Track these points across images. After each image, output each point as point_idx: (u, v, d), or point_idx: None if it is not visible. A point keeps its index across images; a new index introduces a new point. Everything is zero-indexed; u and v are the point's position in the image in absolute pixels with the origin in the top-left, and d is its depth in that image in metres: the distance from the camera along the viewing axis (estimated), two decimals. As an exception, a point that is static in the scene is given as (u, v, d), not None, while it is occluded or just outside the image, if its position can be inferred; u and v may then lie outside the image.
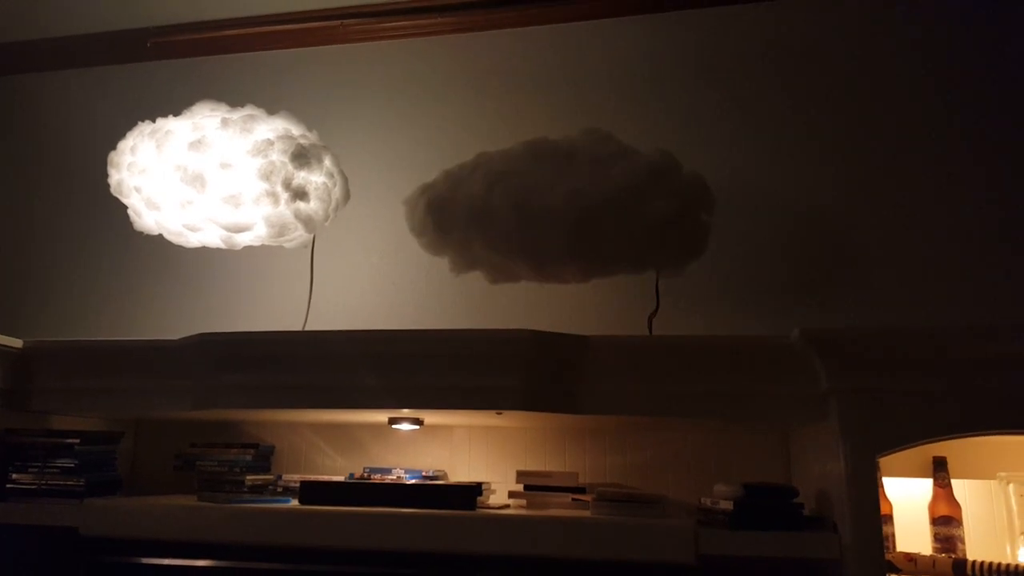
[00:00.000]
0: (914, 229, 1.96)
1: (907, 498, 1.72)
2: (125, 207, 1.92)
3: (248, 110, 1.89)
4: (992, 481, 1.72)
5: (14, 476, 1.81)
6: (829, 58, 2.11)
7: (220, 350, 1.72)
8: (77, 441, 1.82)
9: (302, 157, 1.82)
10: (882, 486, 1.52)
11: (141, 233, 1.93)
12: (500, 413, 1.69)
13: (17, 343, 1.84)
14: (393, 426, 1.88)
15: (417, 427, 1.88)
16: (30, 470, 1.81)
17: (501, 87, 2.26)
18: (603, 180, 1.69)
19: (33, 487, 1.80)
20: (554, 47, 2.27)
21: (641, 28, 2.23)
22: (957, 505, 1.67)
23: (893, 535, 1.67)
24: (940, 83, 2.03)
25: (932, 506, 1.69)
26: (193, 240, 1.90)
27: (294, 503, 1.73)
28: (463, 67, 2.30)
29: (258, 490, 1.84)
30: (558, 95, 2.22)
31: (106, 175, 1.90)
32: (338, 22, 2.35)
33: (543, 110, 2.20)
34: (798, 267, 1.99)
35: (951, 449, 1.68)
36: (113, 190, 1.90)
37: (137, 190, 1.84)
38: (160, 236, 1.93)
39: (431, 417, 1.83)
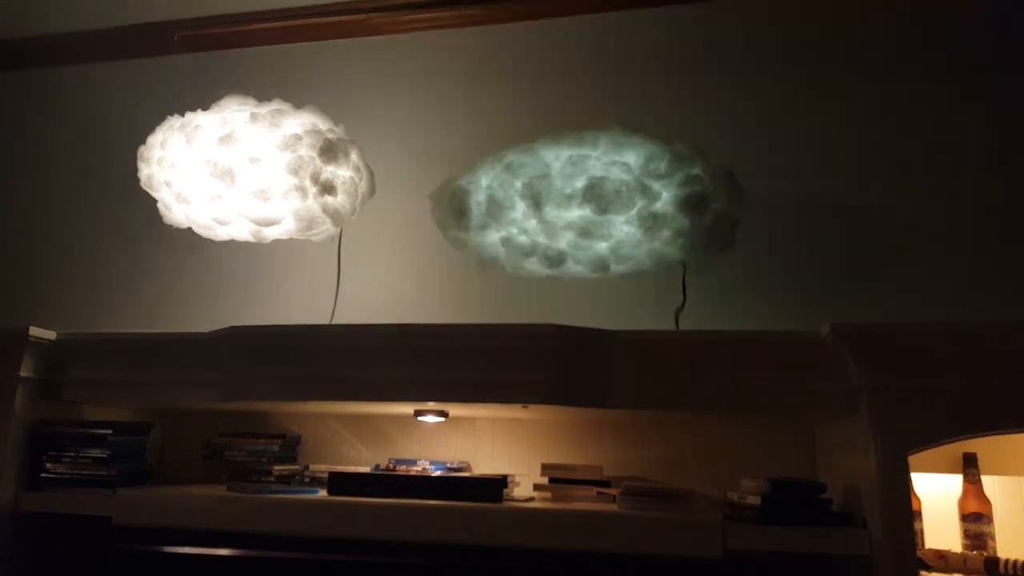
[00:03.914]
0: (945, 223, 1.93)
1: (936, 494, 1.71)
2: (155, 201, 1.94)
3: (276, 104, 1.90)
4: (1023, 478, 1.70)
5: (48, 466, 1.85)
6: (854, 48, 2.08)
7: (250, 343, 1.74)
8: (109, 432, 1.85)
9: (330, 151, 1.83)
10: (911, 482, 1.51)
11: (171, 227, 1.95)
12: (526, 406, 1.70)
13: (51, 335, 1.87)
14: (418, 418, 1.89)
15: (442, 419, 1.89)
16: (64, 460, 1.85)
17: (526, 80, 2.25)
18: (627, 173, 1.68)
19: (67, 476, 1.83)
20: (579, 39, 2.26)
21: (666, 19, 2.21)
22: (988, 502, 1.65)
23: (922, 531, 1.65)
24: (976, 65, 1.99)
25: (962, 502, 1.67)
26: (222, 233, 1.92)
27: (322, 493, 1.76)
28: (488, 60, 2.30)
29: (285, 480, 1.86)
30: (582, 87, 2.21)
31: (136, 169, 1.93)
32: (363, 15, 2.35)
33: (567, 103, 2.19)
34: (826, 261, 1.98)
35: (982, 445, 1.66)
36: (143, 184, 1.92)
37: (167, 184, 1.86)
38: (190, 229, 1.95)
39: (456, 410, 1.84)
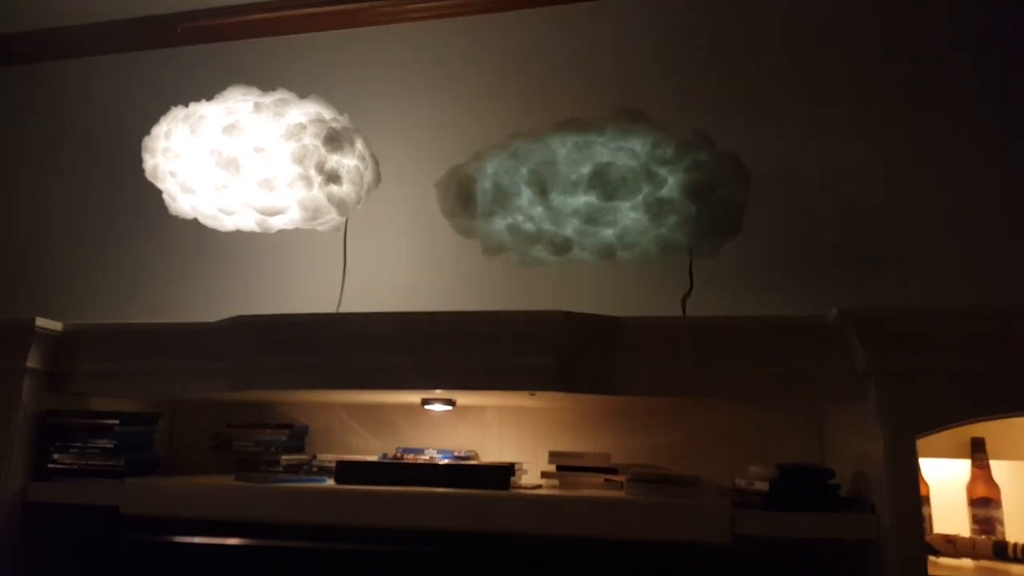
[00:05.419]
0: (951, 206, 1.92)
1: (944, 479, 1.71)
2: (160, 192, 1.94)
3: (280, 94, 1.89)
4: (1032, 463, 1.70)
5: (56, 456, 1.85)
6: (863, 35, 2.07)
7: (257, 332, 1.74)
8: (116, 422, 1.86)
9: (334, 140, 1.83)
10: (919, 467, 1.51)
11: (176, 217, 1.95)
12: (533, 394, 1.70)
13: (57, 326, 1.87)
14: (426, 407, 1.89)
15: (449, 408, 1.89)
16: (71, 451, 1.85)
17: (531, 67, 2.25)
18: (633, 159, 1.68)
19: (74, 467, 1.84)
20: (585, 26, 2.25)
21: (673, 5, 2.20)
22: (996, 486, 1.65)
23: (930, 516, 1.65)
24: (978, 55, 1.99)
25: (970, 487, 1.67)
26: (228, 224, 1.92)
27: (329, 483, 1.76)
28: (492, 48, 2.29)
29: (293, 470, 1.86)
30: (589, 75, 2.20)
31: (140, 160, 1.92)
32: (367, 3, 2.35)
33: (574, 90, 2.18)
34: (833, 246, 1.97)
35: (990, 430, 1.65)
36: (148, 175, 1.92)
37: (172, 175, 1.86)
38: (195, 220, 1.95)
39: (463, 398, 1.84)
